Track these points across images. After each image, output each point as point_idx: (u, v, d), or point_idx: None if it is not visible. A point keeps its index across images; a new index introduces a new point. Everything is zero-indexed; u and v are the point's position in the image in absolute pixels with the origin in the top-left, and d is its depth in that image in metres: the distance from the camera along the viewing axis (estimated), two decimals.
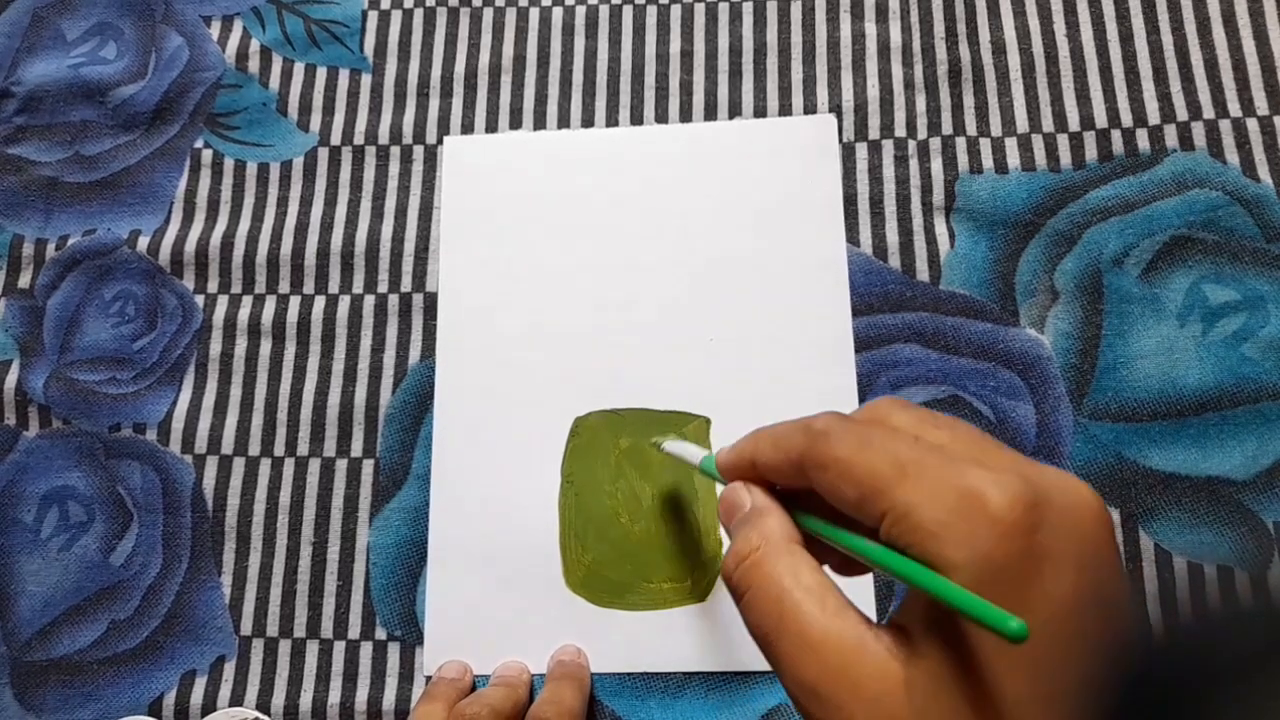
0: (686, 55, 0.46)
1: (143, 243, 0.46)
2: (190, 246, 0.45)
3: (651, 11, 0.47)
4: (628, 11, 0.47)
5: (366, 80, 0.47)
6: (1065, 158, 0.43)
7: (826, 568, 0.24)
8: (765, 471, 0.25)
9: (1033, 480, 0.20)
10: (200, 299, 0.45)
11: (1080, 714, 0.19)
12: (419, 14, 0.48)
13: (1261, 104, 0.43)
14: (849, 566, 0.25)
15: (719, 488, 0.27)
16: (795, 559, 0.23)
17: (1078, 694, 0.19)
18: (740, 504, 0.25)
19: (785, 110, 0.45)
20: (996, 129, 0.44)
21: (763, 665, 0.38)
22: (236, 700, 0.40)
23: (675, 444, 0.37)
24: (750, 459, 0.25)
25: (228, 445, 0.43)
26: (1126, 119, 0.43)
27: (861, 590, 0.39)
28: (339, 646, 0.40)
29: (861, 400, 0.41)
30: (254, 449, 0.43)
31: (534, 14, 0.48)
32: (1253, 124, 0.43)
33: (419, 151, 0.46)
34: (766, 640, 0.22)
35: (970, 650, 0.20)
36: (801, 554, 0.23)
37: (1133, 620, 0.21)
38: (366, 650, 0.40)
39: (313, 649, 0.40)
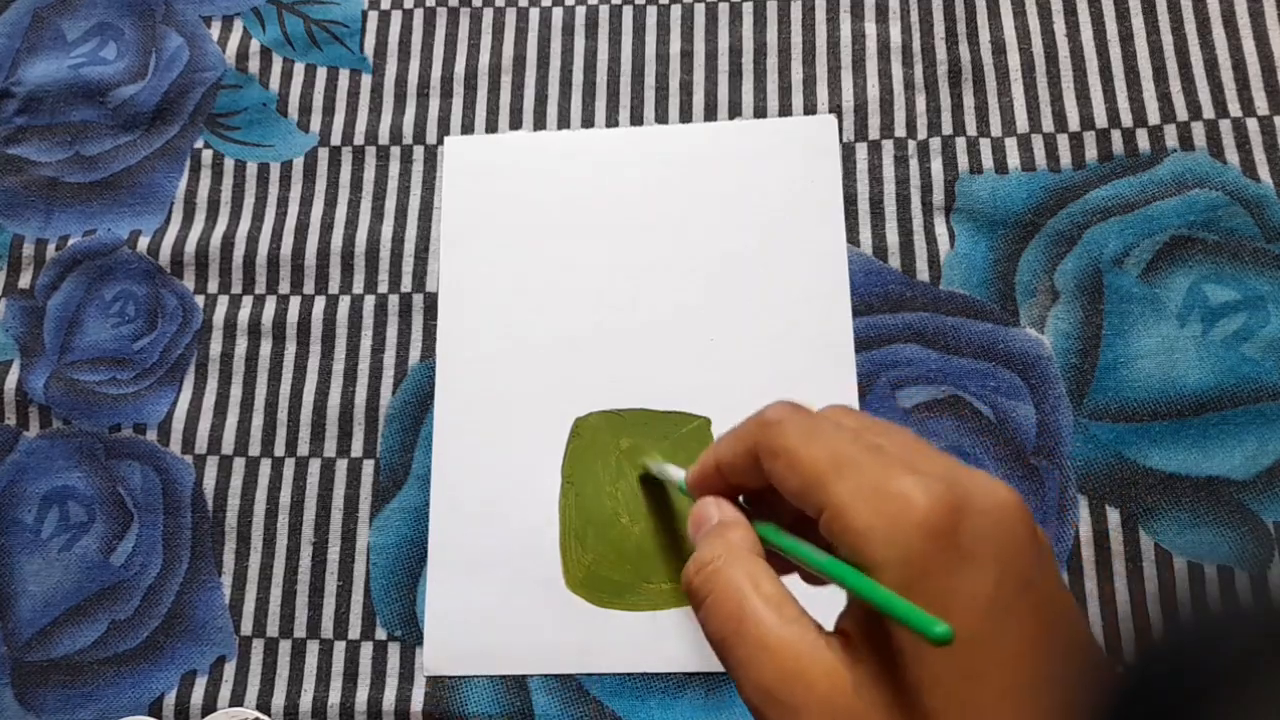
0: (686, 55, 0.46)
1: (143, 243, 0.46)
2: (190, 247, 0.45)
3: (651, 11, 0.47)
4: (628, 11, 0.47)
5: (366, 80, 0.47)
6: (1065, 158, 0.43)
7: (796, 576, 0.25)
8: (726, 470, 0.26)
9: (956, 484, 0.21)
10: (200, 299, 0.45)
11: (1016, 707, 0.20)
12: (419, 14, 0.48)
13: (1261, 104, 0.43)
14: (816, 577, 0.26)
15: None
16: (755, 568, 0.23)
17: (1010, 686, 0.20)
18: (708, 517, 0.26)
19: (785, 110, 0.45)
20: (996, 129, 0.44)
21: None
22: (237, 700, 0.40)
23: (660, 465, 0.37)
24: (712, 463, 0.26)
25: (228, 445, 0.43)
26: (1126, 119, 0.43)
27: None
28: (339, 647, 0.40)
29: (861, 400, 0.41)
30: (254, 449, 0.43)
31: (534, 14, 0.48)
32: (1253, 124, 0.43)
33: (419, 151, 0.46)
34: (725, 645, 0.23)
35: (898, 650, 0.20)
36: (761, 564, 0.24)
37: (1071, 612, 0.22)
38: (367, 650, 0.40)
39: (313, 649, 0.40)
